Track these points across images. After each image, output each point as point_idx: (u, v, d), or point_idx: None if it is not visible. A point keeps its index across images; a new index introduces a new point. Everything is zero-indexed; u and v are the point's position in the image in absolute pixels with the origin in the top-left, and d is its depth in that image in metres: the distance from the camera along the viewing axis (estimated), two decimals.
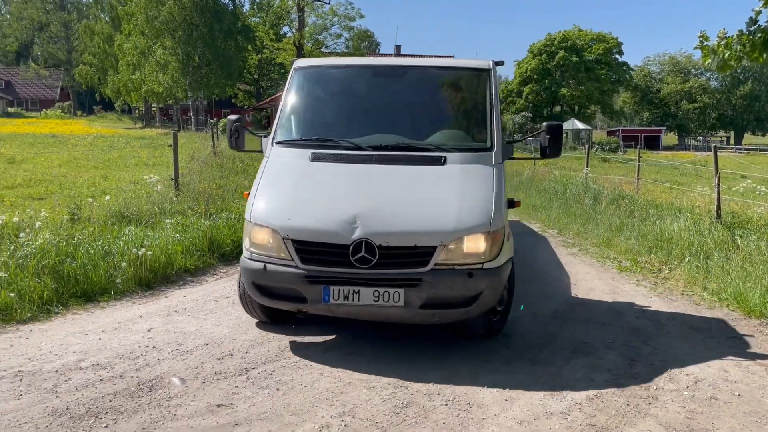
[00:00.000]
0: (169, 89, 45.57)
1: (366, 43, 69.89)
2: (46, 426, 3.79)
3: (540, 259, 8.78)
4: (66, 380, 4.44)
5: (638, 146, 16.44)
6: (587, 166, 16.70)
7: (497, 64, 6.06)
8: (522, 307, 6.08)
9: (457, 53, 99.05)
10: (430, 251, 4.58)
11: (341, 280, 4.62)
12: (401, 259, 4.58)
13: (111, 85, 55.16)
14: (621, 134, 64.00)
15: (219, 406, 4.09)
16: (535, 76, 66.24)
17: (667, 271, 7.91)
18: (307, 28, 57.00)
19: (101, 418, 3.90)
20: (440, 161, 5.13)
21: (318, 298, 4.64)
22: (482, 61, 5.96)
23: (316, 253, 4.67)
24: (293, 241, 4.72)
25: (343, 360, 4.87)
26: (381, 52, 71.93)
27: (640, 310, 6.41)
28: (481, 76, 5.85)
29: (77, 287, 6.30)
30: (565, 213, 12.41)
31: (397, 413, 4.03)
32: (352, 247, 4.56)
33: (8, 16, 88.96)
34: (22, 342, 5.20)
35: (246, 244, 5.01)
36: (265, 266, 4.80)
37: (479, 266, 4.66)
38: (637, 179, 14.73)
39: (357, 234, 4.57)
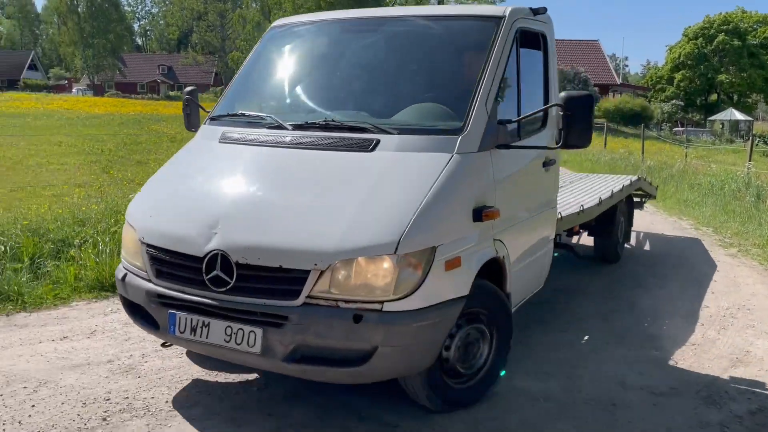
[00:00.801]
0: None
1: None
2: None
3: (692, 259, 8.15)
4: None
5: None
6: (750, 160, 15.25)
7: (535, 12, 4.36)
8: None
9: (603, 37, 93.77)
10: (301, 277, 3.19)
11: (190, 306, 3.43)
12: (264, 284, 3.26)
13: None
14: None
15: None
16: (689, 62, 61.35)
17: None
18: None
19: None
20: (368, 146, 3.65)
21: (167, 326, 3.54)
22: (493, 8, 4.28)
23: (169, 264, 3.55)
24: (147, 246, 3.65)
25: None
26: None
27: None
28: (485, 28, 4.08)
29: None
30: (722, 210, 11.43)
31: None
32: (206, 260, 3.35)
33: (171, 7, 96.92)
34: None
35: (122, 245, 4.07)
36: (125, 275, 3.83)
37: (376, 307, 3.16)
38: None
39: (213, 244, 3.34)
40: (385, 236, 3.17)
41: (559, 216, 5.31)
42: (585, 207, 6.16)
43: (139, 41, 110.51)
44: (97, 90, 69.94)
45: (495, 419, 3.75)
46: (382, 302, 3.17)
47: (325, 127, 3.89)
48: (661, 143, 29.90)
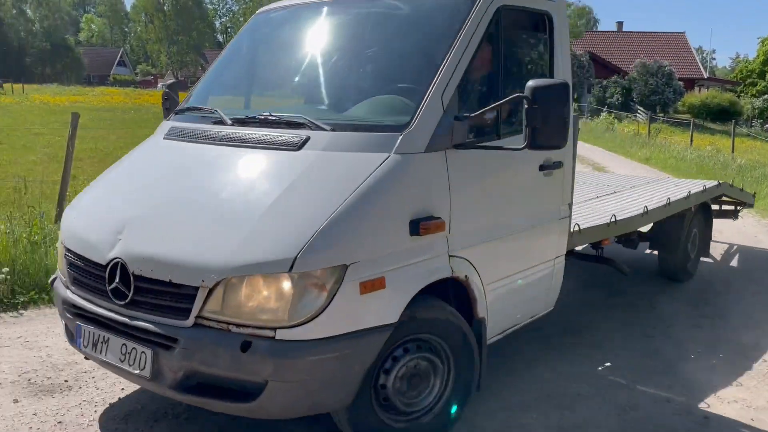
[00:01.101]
0: None
1: (583, 20, 66.68)
2: None
3: None
4: None
5: None
6: None
7: None
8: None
9: (690, 29, 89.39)
10: (192, 294, 2.80)
11: (92, 319, 3.15)
12: (159, 299, 2.90)
13: None
14: None
15: None
16: None
17: None
18: None
19: None
20: (296, 145, 3.15)
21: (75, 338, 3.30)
22: None
23: (82, 271, 3.25)
24: (66, 250, 3.38)
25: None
26: (599, 29, 68.23)
27: None
28: (459, 6, 3.46)
29: None
30: None
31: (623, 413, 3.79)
32: (108, 269, 3.02)
33: (251, 4, 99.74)
34: None
35: None
36: (53, 280, 3.61)
37: (268, 334, 2.72)
38: None
39: (114, 251, 3.01)
40: (281, 251, 2.69)
41: (576, 228, 4.52)
42: (619, 217, 5.11)
43: (220, 38, 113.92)
44: (181, 85, 72.66)
45: (578, 427, 3.63)
46: (275, 328, 2.71)
47: (264, 122, 3.45)
48: (751, 140, 28.32)
